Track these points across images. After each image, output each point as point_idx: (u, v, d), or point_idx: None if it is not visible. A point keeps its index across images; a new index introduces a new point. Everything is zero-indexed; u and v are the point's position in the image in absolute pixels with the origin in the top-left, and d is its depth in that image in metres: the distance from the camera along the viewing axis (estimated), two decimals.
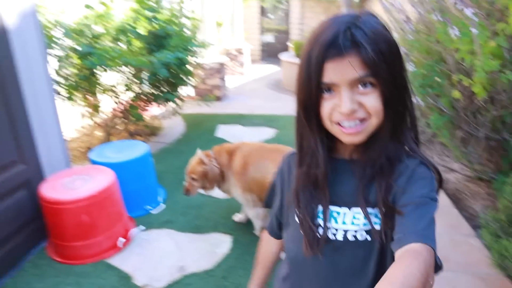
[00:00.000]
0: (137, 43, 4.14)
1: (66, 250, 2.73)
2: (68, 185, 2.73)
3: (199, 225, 3.12)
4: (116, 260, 2.74)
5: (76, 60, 3.77)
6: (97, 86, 4.08)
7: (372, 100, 0.76)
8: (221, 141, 4.95)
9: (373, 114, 0.78)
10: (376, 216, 0.81)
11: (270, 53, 12.30)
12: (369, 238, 0.83)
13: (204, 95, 6.53)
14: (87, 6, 3.85)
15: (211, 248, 2.85)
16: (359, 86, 0.76)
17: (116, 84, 4.39)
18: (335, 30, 0.74)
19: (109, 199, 2.75)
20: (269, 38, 12.45)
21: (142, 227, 3.09)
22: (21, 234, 2.76)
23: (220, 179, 2.88)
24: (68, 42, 3.75)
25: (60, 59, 3.73)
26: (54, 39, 3.69)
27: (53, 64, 3.68)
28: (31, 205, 2.82)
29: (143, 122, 4.67)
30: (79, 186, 2.71)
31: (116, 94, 4.40)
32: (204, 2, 7.75)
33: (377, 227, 0.81)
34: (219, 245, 2.90)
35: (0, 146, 2.56)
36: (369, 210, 0.82)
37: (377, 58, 0.73)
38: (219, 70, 7.14)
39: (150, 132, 5.12)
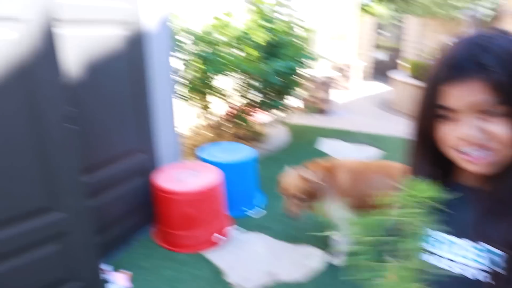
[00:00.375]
0: (252, 51, 4.33)
1: (169, 237, 2.94)
2: (178, 177, 2.95)
3: (293, 235, 3.12)
4: (212, 255, 2.87)
5: (198, 64, 4.08)
6: (212, 89, 4.35)
7: (500, 129, 0.68)
8: (323, 154, 4.91)
9: (503, 144, 0.69)
10: (495, 255, 0.71)
11: (381, 70, 11.86)
12: (479, 278, 0.73)
13: (309, 107, 6.56)
14: (215, 18, 4.16)
15: (302, 260, 2.83)
16: (486, 112, 0.68)
17: (229, 89, 4.64)
18: (459, 51, 0.69)
19: (214, 196, 2.90)
20: (382, 55, 12.04)
21: (240, 228, 3.19)
22: (134, 216, 3.05)
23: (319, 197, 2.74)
24: (193, 48, 4.07)
25: (185, 62, 4.07)
26: (181, 44, 4.04)
27: (178, 67, 4.02)
28: (144, 191, 3.09)
29: (249, 127, 4.84)
30: (188, 180, 2.90)
31: (228, 98, 4.64)
32: (319, 15, 7.81)
33: (494, 268, 0.70)
34: (310, 258, 2.87)
35: (126, 136, 2.87)
36: (487, 247, 0.72)
37: (508, 83, 0.65)
38: (327, 83, 7.11)
39: (255, 137, 5.28)
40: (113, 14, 2.59)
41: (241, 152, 3.47)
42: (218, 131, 4.96)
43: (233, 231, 3.15)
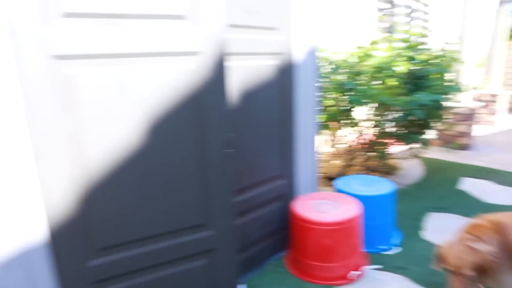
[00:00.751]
0: (394, 83, 4.18)
1: (302, 266, 2.91)
2: (317, 207, 2.93)
3: (436, 283, 2.83)
4: None
5: (337, 94, 4.08)
6: (348, 119, 4.30)
7: None
8: (466, 195, 4.44)
9: None
10: None
11: None
12: None
13: (447, 141, 6.05)
14: (358, 47, 4.14)
15: None
16: None
17: (364, 119, 4.53)
18: None
19: (353, 229, 2.81)
20: None
21: (377, 266, 3.02)
22: (268, 240, 3.10)
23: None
24: (334, 77, 4.10)
25: (324, 91, 4.11)
26: (323, 73, 4.09)
27: (319, 95, 4.08)
28: (280, 216, 3.14)
29: (383, 159, 4.64)
30: (327, 210, 2.86)
31: (362, 128, 4.53)
32: (464, 43, 7.26)
33: None
34: None
35: (271, 162, 2.97)
36: None
37: None
38: (469, 116, 6.49)
39: (387, 170, 5.04)
40: (269, 46, 2.74)
41: (380, 186, 3.32)
42: (348, 161, 4.85)
43: (368, 268, 2.99)
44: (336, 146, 4.95)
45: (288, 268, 3.04)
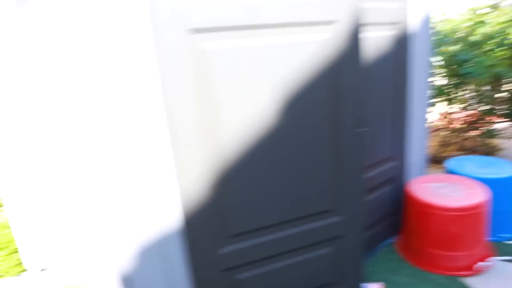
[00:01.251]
0: (504, 52, 3.73)
1: (421, 254, 2.69)
2: (437, 190, 2.68)
3: None
4: (472, 283, 2.51)
5: (445, 67, 3.72)
6: (455, 94, 3.92)
7: None
8: None
9: None
10: None
11: None
12: None
13: None
14: (473, 9, 3.69)
15: None
16: None
17: (467, 95, 4.14)
18: None
19: (480, 215, 2.55)
20: None
21: (507, 257, 2.73)
22: (379, 225, 2.91)
23: None
24: (447, 49, 3.72)
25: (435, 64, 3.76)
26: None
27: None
28: (391, 200, 2.93)
29: (491, 139, 4.21)
30: (448, 194, 2.61)
31: (467, 105, 4.13)
32: None
33: None
34: None
35: (383, 142, 2.74)
36: None
37: None
38: None
39: (488, 150, 4.61)
40: (386, 15, 2.49)
41: (498, 167, 2.99)
42: (444, 141, 4.48)
43: (496, 259, 2.70)
44: (433, 124, 4.55)
45: (402, 256, 2.83)
